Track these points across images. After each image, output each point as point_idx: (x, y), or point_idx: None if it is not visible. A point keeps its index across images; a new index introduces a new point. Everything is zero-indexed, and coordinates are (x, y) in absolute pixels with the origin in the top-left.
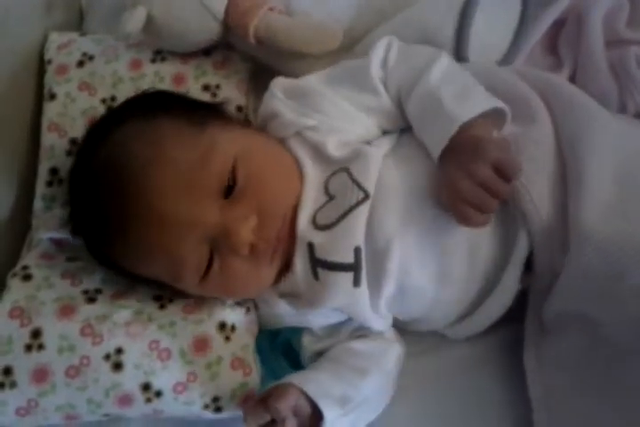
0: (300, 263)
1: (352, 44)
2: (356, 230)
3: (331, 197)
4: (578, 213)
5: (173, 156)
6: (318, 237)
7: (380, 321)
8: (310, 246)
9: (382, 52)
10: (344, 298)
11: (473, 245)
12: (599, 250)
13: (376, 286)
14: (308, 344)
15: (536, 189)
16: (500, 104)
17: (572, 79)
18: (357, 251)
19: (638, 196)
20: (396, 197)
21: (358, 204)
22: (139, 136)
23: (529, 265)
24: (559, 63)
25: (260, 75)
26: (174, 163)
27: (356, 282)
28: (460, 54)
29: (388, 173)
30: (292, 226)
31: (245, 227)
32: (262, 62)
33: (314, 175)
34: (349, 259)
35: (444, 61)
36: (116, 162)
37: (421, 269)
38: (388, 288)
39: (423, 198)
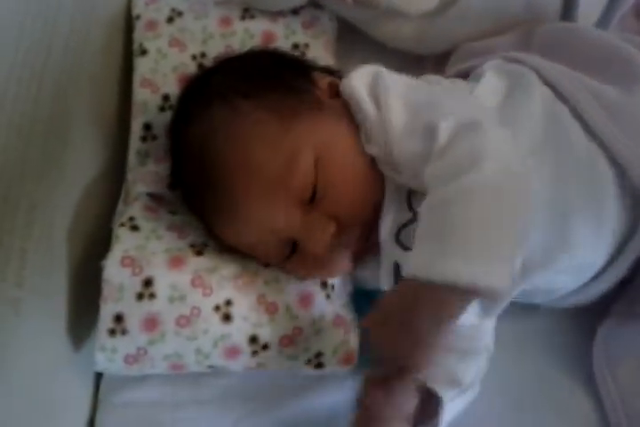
0: (385, 279)
1: (446, 7)
2: None
3: (415, 216)
4: None
5: (259, 162)
6: (404, 258)
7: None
8: (396, 266)
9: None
10: None
11: (605, 230)
12: None
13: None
14: None
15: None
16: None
17: None
18: None
19: None
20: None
21: None
22: (224, 131)
23: None
24: None
25: (345, 36)
26: (260, 170)
27: None
28: (567, 19)
29: None
30: (375, 237)
31: (324, 234)
32: (349, 23)
33: (394, 186)
34: None
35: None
36: (205, 158)
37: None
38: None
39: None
